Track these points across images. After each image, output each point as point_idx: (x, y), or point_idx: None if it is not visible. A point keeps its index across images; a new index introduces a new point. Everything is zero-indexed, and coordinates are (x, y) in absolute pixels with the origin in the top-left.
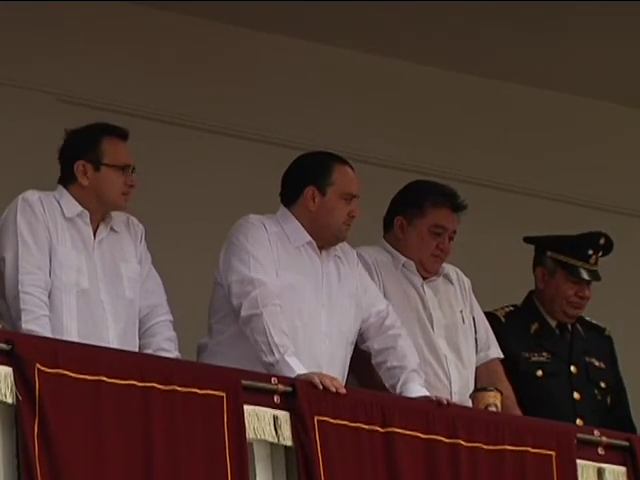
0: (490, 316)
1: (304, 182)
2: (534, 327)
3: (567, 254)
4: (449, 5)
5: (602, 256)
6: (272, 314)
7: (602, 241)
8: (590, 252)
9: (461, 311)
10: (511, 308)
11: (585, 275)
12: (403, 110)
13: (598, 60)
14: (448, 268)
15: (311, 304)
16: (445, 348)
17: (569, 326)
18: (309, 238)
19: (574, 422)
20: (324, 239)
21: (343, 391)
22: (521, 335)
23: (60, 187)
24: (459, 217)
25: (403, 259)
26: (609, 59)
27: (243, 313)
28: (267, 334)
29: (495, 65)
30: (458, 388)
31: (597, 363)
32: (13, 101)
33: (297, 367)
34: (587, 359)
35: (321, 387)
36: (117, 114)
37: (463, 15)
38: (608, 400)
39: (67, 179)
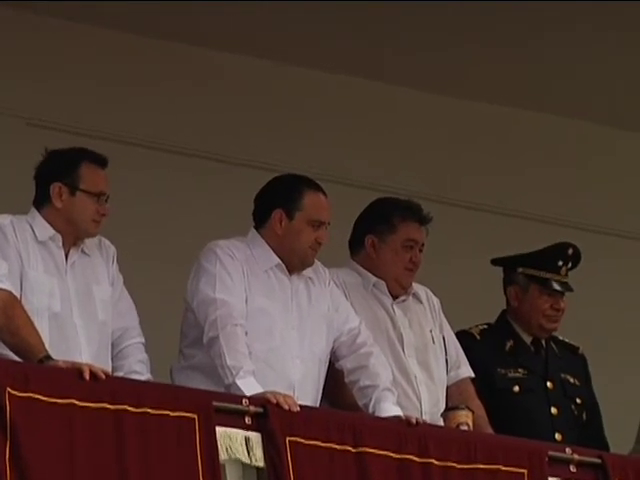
0: (464, 334)
1: (273, 205)
2: (509, 344)
3: (538, 268)
4: (417, 27)
5: (571, 268)
6: (228, 335)
7: (570, 251)
8: (560, 263)
9: (431, 330)
10: (485, 326)
11: (558, 287)
12: (380, 132)
13: (579, 79)
14: (417, 288)
15: (281, 326)
16: (416, 368)
17: (543, 343)
18: (277, 260)
19: (552, 437)
20: (291, 263)
21: (296, 409)
22: (496, 352)
23: (33, 209)
24: (426, 230)
25: (374, 279)
26: (588, 79)
27: (205, 338)
28: (222, 357)
29: (472, 86)
30: (429, 407)
31: (572, 380)
32: None
33: (248, 389)
34: (562, 375)
35: (275, 402)
36: (87, 138)
37: (434, 35)
38: (584, 416)
39: (41, 200)
